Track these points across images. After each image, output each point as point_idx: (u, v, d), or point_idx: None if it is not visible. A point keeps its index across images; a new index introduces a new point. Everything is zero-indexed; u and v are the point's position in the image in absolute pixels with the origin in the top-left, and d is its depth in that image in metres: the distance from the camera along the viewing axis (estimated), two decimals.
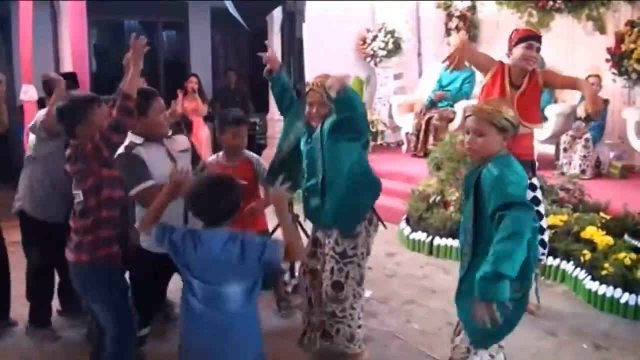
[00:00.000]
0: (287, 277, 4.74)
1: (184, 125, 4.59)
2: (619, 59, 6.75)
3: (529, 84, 4.12)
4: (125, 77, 3.06)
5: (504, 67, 4.18)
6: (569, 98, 7.44)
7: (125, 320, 3.15)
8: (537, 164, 4.37)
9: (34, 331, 4.08)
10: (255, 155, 4.23)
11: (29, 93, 6.10)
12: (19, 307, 4.30)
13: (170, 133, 3.61)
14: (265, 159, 4.31)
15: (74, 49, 6.50)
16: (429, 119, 7.89)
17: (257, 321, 2.68)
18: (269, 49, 3.87)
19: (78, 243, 3.05)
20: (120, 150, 3.25)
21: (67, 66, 6.82)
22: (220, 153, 4.19)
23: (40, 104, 6.67)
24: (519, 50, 4.08)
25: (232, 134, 4.03)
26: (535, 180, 4.13)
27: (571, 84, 4.32)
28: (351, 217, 3.35)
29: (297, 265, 4.58)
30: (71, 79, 4.50)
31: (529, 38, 4.10)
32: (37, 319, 4.10)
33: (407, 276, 5.14)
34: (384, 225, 3.53)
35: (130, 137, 3.31)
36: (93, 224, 3.02)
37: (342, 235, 3.34)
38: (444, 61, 4.24)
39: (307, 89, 3.43)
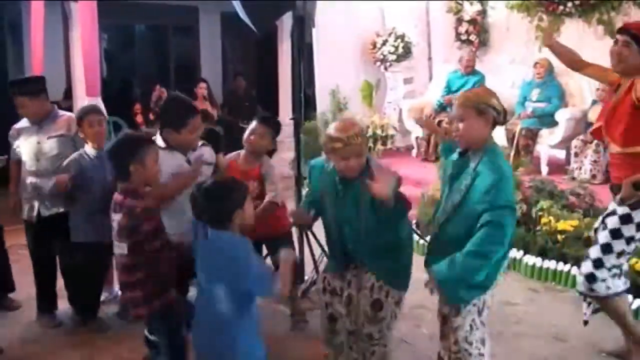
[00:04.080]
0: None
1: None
2: None
3: (623, 94, 3.47)
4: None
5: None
6: (579, 102, 7.41)
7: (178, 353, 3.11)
8: None
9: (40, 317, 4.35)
10: (269, 161, 4.17)
11: None
12: (28, 310, 4.37)
13: (200, 144, 3.72)
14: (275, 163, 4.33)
15: (85, 52, 6.52)
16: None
17: (248, 337, 2.63)
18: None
19: (131, 299, 3.00)
20: None
21: (78, 70, 6.86)
22: (242, 152, 4.17)
23: None
24: None
25: (251, 133, 4.05)
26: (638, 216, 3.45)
27: None
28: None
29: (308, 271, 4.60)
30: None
31: (617, 31, 3.52)
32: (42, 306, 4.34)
33: (416, 281, 5.05)
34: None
35: (156, 139, 3.46)
36: (143, 279, 2.95)
37: None
38: None
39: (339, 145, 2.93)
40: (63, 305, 4.39)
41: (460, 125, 2.80)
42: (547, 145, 7.12)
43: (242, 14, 4.68)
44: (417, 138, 8.53)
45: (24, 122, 4.24)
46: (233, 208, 2.61)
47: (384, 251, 3.07)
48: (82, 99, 6.71)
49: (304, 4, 4.78)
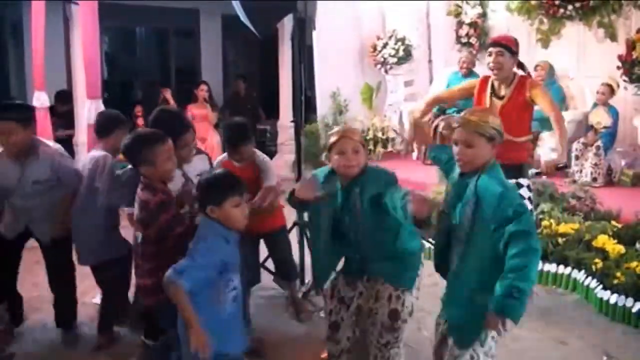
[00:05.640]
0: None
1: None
2: (630, 66, 6.71)
3: (513, 93, 4.15)
4: None
5: (486, 80, 4.28)
6: (580, 105, 7.42)
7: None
8: (525, 166, 4.34)
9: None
10: (261, 155, 4.13)
11: (40, 100, 6.12)
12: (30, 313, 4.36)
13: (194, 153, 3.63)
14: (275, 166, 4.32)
15: (86, 54, 6.52)
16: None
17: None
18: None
19: (142, 285, 3.10)
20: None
21: (79, 73, 6.85)
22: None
23: (51, 111, 6.70)
24: None
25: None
26: (522, 180, 4.19)
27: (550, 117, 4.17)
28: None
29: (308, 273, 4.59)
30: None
31: (489, 45, 4.22)
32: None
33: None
34: None
35: None
36: (153, 269, 2.98)
37: None
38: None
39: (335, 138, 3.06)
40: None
41: (469, 151, 2.71)
42: (548, 148, 7.10)
43: (243, 17, 4.69)
44: None
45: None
46: (206, 202, 2.72)
47: (388, 253, 3.11)
48: (82, 100, 6.69)
49: (305, 6, 4.79)
